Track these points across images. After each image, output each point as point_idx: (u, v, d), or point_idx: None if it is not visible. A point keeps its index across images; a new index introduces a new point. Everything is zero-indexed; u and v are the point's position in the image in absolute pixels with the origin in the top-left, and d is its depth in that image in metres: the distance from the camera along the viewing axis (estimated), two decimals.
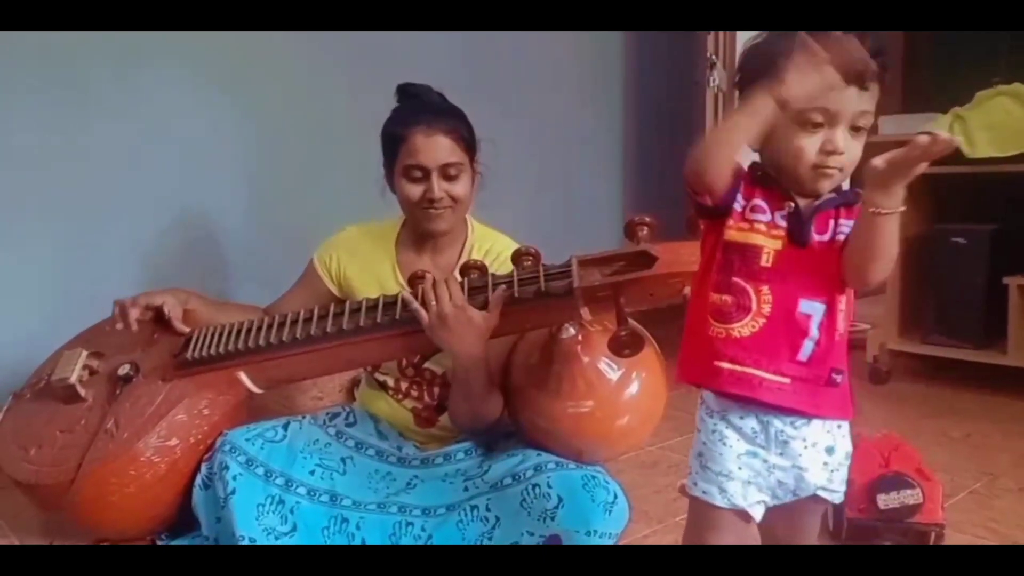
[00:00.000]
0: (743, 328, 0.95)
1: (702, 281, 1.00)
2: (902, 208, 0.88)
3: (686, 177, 0.95)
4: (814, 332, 0.96)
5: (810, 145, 0.93)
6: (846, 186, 0.99)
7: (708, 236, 1.00)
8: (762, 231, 0.96)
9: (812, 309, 0.96)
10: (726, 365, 0.95)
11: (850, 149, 0.94)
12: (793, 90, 0.87)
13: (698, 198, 0.96)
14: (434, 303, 1.34)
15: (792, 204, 0.96)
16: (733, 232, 0.96)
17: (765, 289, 0.95)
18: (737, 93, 1.02)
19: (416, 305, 1.36)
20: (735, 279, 0.96)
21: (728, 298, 0.96)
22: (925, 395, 2.48)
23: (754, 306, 0.95)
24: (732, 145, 0.92)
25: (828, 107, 0.91)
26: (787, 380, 0.95)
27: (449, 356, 1.44)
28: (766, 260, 0.95)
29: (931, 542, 1.47)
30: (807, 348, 0.96)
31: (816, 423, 0.98)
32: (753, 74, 0.95)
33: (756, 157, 1.00)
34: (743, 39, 1.04)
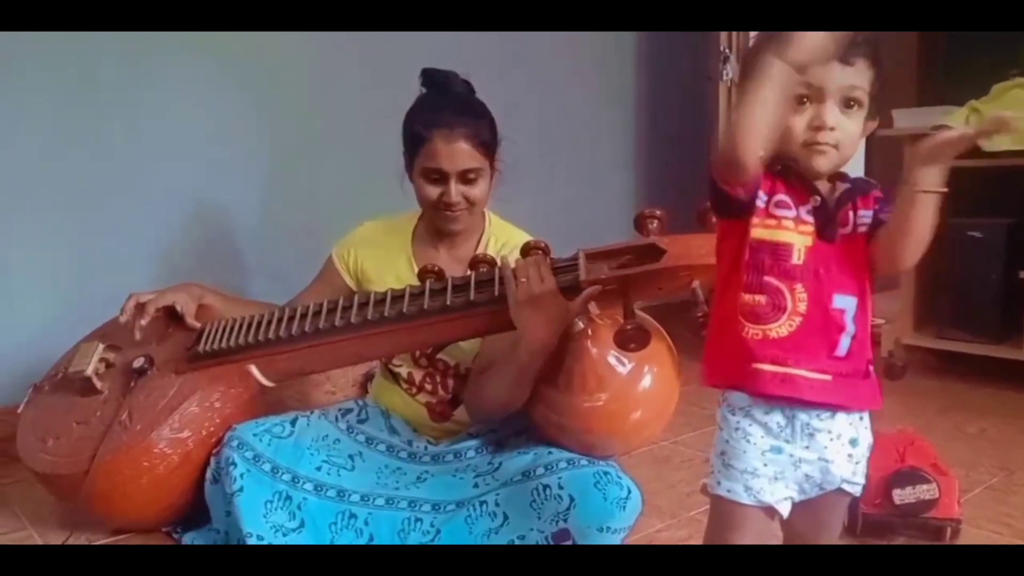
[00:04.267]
0: (780, 328, 0.94)
1: (727, 283, 0.99)
2: (944, 189, 0.89)
3: (717, 172, 0.92)
4: (850, 326, 0.95)
5: (798, 122, 0.92)
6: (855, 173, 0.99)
7: (728, 237, 0.99)
8: (790, 227, 0.95)
9: (845, 304, 0.95)
10: (767, 367, 0.94)
11: (843, 126, 0.93)
12: (803, 48, 0.85)
13: (731, 191, 0.93)
14: (526, 280, 1.32)
15: (819, 198, 0.95)
16: (760, 230, 0.95)
17: (799, 287, 0.94)
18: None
19: (508, 275, 1.34)
20: (767, 278, 0.94)
21: (762, 298, 0.95)
22: (940, 390, 2.46)
23: (789, 305, 0.94)
24: (762, 122, 0.88)
25: (811, 81, 0.91)
26: (829, 377, 0.95)
27: (459, 348, 1.45)
28: (798, 257, 0.94)
29: (947, 537, 1.46)
30: (844, 343, 0.95)
31: (841, 415, 0.97)
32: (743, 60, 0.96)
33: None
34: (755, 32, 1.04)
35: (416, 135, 1.52)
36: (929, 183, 0.88)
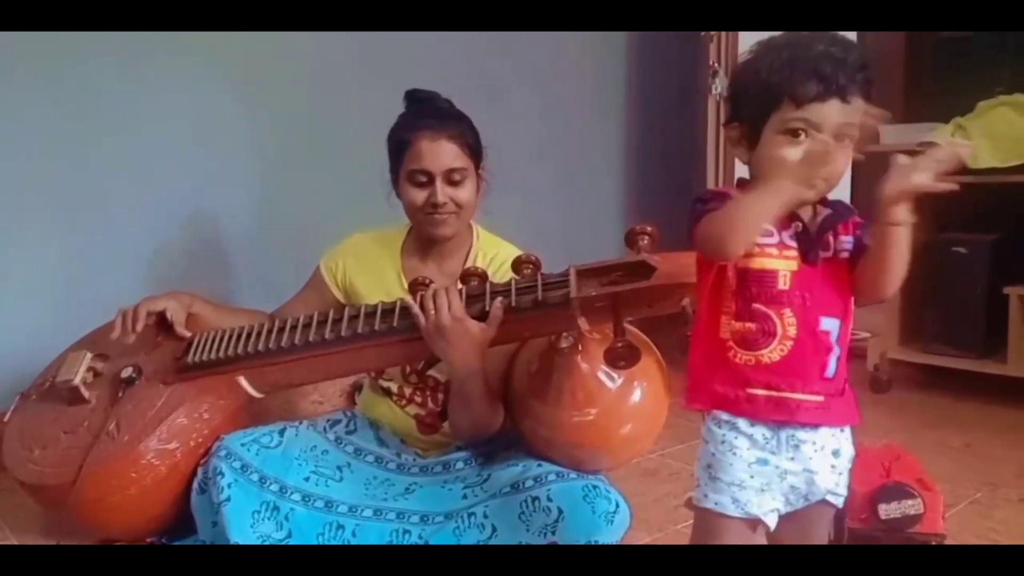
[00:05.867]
0: (772, 353, 0.96)
1: (710, 308, 1.00)
2: (912, 219, 0.92)
3: (699, 247, 0.96)
4: (836, 348, 0.97)
5: (792, 154, 0.94)
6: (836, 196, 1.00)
7: (706, 266, 1.00)
8: (773, 254, 0.96)
9: (831, 325, 0.97)
10: (761, 392, 0.96)
11: (835, 160, 0.94)
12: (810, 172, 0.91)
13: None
14: (432, 312, 1.34)
15: (800, 223, 0.97)
16: (745, 259, 0.96)
17: (787, 312, 0.96)
18: (729, 107, 1.04)
19: (416, 311, 1.36)
20: (756, 305, 0.96)
21: (752, 325, 0.96)
22: (925, 404, 2.47)
23: (779, 330, 0.96)
24: (756, 228, 0.93)
25: (810, 118, 0.93)
26: (821, 398, 0.97)
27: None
28: (784, 283, 0.96)
29: None
30: (832, 364, 0.97)
31: (824, 427, 0.99)
32: (745, 91, 0.99)
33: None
34: (745, 46, 1.06)
35: (400, 140, 1.54)
36: (899, 217, 0.91)
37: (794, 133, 0.93)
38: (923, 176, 0.89)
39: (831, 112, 0.92)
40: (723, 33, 2.68)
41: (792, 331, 0.96)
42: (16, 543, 1.55)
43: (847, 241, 0.98)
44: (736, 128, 1.00)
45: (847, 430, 1.02)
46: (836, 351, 0.97)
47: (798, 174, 0.91)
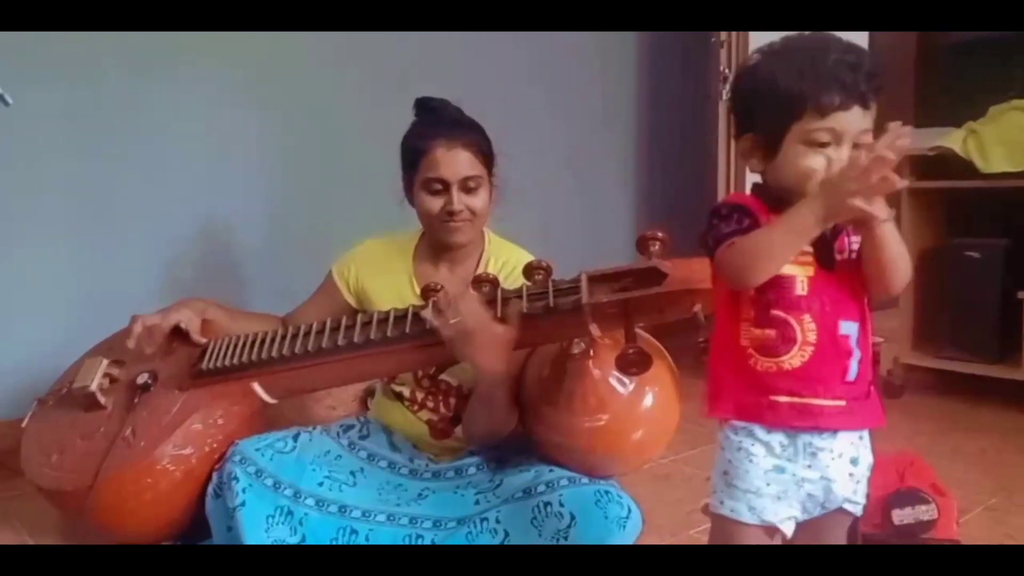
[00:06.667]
0: (793, 359, 0.96)
1: (728, 316, 1.00)
2: (891, 213, 0.91)
3: (722, 273, 0.97)
4: (856, 351, 0.98)
5: (819, 163, 0.94)
6: None
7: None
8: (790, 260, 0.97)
9: (850, 329, 0.98)
10: (784, 399, 0.96)
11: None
12: (833, 210, 0.89)
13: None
14: (457, 318, 1.34)
15: None
16: None
17: (806, 317, 0.96)
18: (732, 115, 1.04)
19: (436, 322, 1.35)
20: (774, 312, 0.96)
21: (771, 332, 0.97)
22: (939, 409, 2.47)
23: (799, 336, 0.96)
24: (779, 262, 0.93)
25: (835, 127, 0.93)
26: (843, 403, 0.97)
27: (462, 368, 1.45)
28: (802, 288, 0.96)
29: None
30: (853, 367, 0.98)
31: (842, 434, 0.99)
32: (758, 102, 0.98)
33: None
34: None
35: (415, 149, 1.55)
36: (878, 215, 0.90)
37: (818, 143, 0.94)
38: (877, 176, 0.87)
39: (853, 120, 0.93)
40: (734, 39, 2.68)
41: (812, 336, 0.96)
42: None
43: (857, 241, 0.98)
44: (749, 139, 1.00)
45: (866, 437, 1.01)
46: (857, 354, 0.97)
47: (842, 189, 0.89)
